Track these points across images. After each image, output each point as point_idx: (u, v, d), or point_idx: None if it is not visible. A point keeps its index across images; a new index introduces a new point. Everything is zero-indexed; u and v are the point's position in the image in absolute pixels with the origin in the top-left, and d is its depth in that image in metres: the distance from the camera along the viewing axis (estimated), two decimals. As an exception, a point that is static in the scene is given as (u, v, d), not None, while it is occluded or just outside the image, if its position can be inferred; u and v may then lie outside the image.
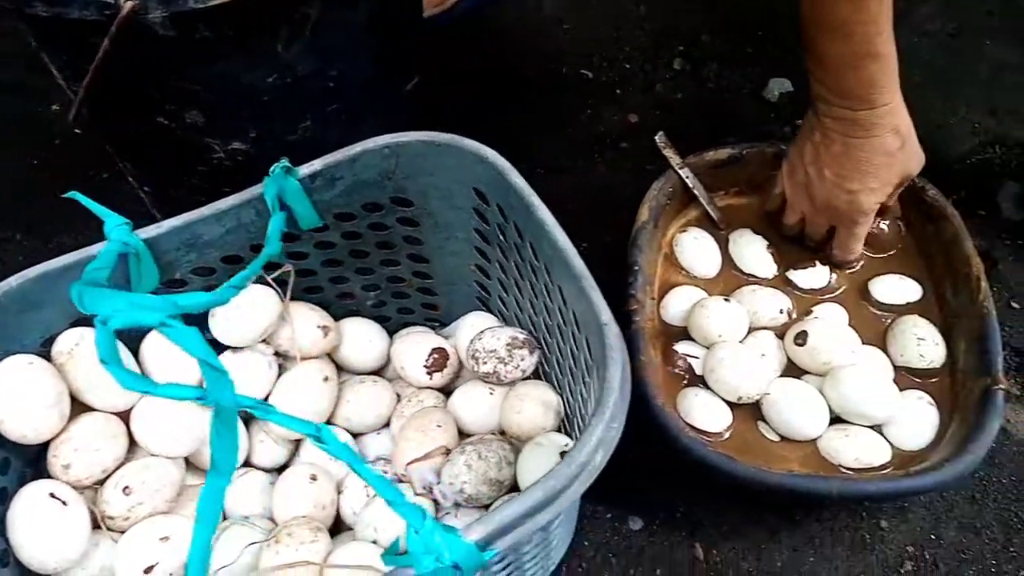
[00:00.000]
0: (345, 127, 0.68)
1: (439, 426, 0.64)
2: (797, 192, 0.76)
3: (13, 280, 0.56)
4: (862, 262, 0.79)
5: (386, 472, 0.64)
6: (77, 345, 0.58)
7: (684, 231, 0.82)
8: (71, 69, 0.62)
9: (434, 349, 0.70)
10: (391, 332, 0.75)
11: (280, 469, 0.67)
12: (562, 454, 0.58)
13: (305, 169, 0.61)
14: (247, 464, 0.66)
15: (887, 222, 0.79)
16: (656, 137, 0.81)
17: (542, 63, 1.07)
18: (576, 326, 0.56)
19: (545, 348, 0.67)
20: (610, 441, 0.48)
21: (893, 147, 0.69)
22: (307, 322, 0.67)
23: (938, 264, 0.76)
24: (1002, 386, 0.65)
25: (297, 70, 0.61)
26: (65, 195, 0.57)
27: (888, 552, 0.69)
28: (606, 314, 0.51)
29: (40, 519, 0.53)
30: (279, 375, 0.67)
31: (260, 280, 0.64)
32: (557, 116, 1.02)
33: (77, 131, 0.98)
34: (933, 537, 0.69)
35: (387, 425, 0.70)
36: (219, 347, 0.65)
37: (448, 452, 0.62)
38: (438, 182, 0.64)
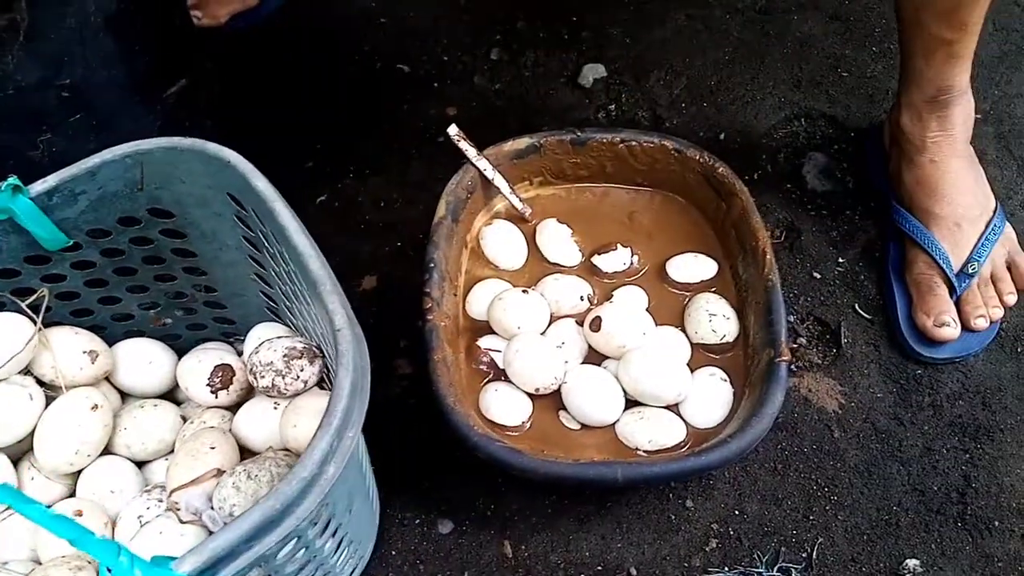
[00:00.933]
0: (98, 138, 0.64)
1: (212, 448, 0.61)
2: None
3: None
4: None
5: (161, 501, 0.61)
6: None
7: (490, 224, 0.81)
8: None
9: (217, 366, 0.67)
10: (184, 350, 0.71)
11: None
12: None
13: (38, 186, 0.57)
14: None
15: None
16: (448, 130, 0.79)
17: (359, 59, 1.04)
18: (331, 332, 0.54)
19: (327, 356, 0.64)
20: (344, 452, 0.46)
21: None
22: (70, 348, 0.63)
23: (731, 240, 0.77)
24: (784, 358, 0.66)
25: (20, 81, 0.57)
26: None
27: (694, 531, 0.69)
28: (340, 318, 0.49)
29: None
30: (47, 406, 0.63)
31: (13, 307, 0.61)
32: (374, 114, 1.00)
33: None
34: (737, 512, 0.70)
35: (173, 450, 0.66)
36: (-31, 382, 0.61)
37: (220, 474, 0.59)
38: (192, 189, 0.61)
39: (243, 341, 0.74)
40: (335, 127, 0.98)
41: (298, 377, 0.63)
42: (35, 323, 0.61)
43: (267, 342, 0.64)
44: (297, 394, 0.64)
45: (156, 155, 0.59)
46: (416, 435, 0.74)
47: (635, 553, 0.68)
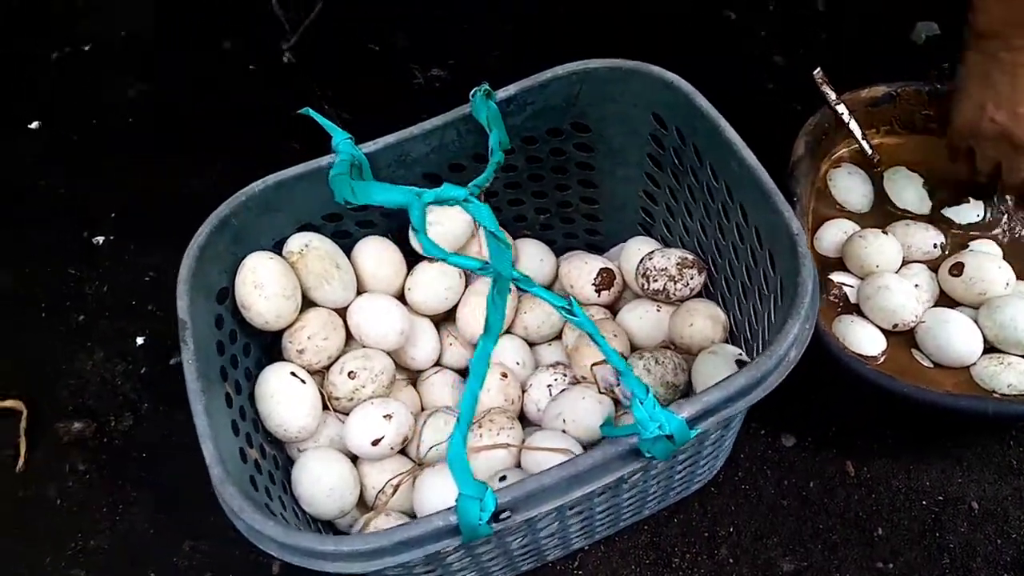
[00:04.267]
0: (529, 56, 0.74)
1: (615, 336, 0.70)
2: (990, 144, 0.73)
3: (256, 186, 0.64)
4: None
5: (565, 376, 0.71)
6: (306, 247, 0.66)
7: (837, 167, 0.84)
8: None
9: (602, 269, 0.75)
10: (557, 254, 0.81)
11: (462, 371, 0.75)
12: (738, 362, 0.63)
13: (502, 93, 0.67)
14: (438, 364, 0.74)
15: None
16: (814, 72, 0.83)
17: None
18: (758, 242, 0.61)
19: (712, 269, 0.71)
20: (804, 340, 0.52)
21: None
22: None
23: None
24: None
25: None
26: (298, 112, 0.64)
27: (1036, 475, 0.72)
28: (796, 225, 0.55)
29: (285, 393, 0.62)
30: (466, 286, 0.74)
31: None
32: (703, 58, 1.05)
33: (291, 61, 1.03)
34: (1082, 466, 0.72)
35: (558, 337, 0.76)
36: (418, 257, 0.73)
37: (625, 358, 0.68)
38: (618, 108, 0.69)
39: (601, 252, 0.83)
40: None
41: (687, 284, 0.71)
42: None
43: (659, 251, 0.72)
44: (682, 300, 0.72)
45: (599, 73, 0.67)
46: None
47: (976, 489, 0.71)
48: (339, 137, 0.64)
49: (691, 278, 0.70)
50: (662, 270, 0.70)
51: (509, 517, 0.48)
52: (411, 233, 0.71)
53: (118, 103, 1.10)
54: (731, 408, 0.51)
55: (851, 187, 0.82)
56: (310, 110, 0.64)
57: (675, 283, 0.70)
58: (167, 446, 0.81)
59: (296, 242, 0.66)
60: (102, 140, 1.07)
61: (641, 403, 0.47)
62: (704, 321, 0.68)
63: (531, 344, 0.76)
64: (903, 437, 0.75)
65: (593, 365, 0.67)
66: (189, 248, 0.61)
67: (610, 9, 0.88)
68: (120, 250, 0.96)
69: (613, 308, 0.77)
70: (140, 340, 0.89)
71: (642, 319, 0.72)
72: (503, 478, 0.59)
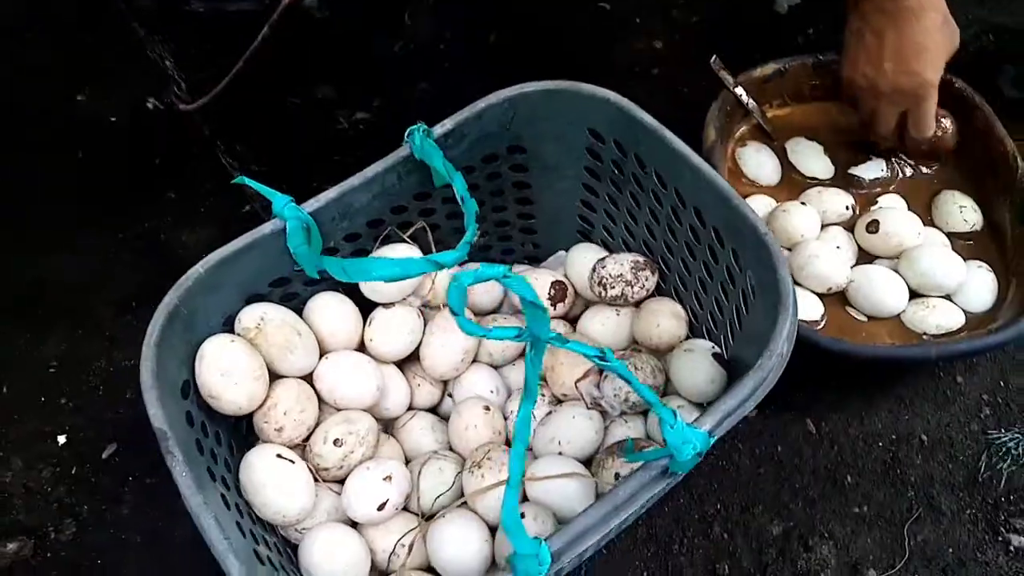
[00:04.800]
0: (450, 86, 0.72)
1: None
2: (864, 95, 0.81)
3: (200, 267, 0.59)
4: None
5: (543, 396, 0.71)
6: (263, 320, 0.62)
7: (744, 145, 0.89)
8: (195, 59, 0.64)
9: (554, 282, 0.76)
10: (497, 273, 0.80)
11: (432, 410, 0.73)
12: (714, 355, 0.65)
13: (439, 129, 0.65)
14: (409, 407, 0.72)
15: (947, 120, 0.85)
16: (711, 61, 0.87)
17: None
18: (718, 241, 0.63)
19: (664, 267, 0.73)
20: (793, 333, 0.55)
21: (939, 23, 0.76)
22: (443, 273, 0.72)
23: (976, 151, 0.85)
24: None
25: (419, 37, 0.65)
26: (234, 181, 0.60)
27: (968, 402, 0.80)
28: (762, 224, 0.57)
29: (276, 478, 0.58)
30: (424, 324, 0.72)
31: (398, 239, 0.70)
32: (589, 51, 1.07)
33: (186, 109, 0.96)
34: (1002, 384, 0.80)
35: (521, 356, 0.76)
36: (368, 304, 0.70)
37: (600, 370, 0.69)
38: (552, 127, 0.69)
39: (538, 262, 0.84)
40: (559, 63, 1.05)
41: (643, 286, 0.73)
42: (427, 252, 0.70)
43: (610, 257, 0.74)
44: (639, 301, 0.74)
45: (533, 97, 0.67)
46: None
47: (920, 423, 0.78)
48: (280, 202, 0.60)
49: (646, 279, 0.72)
50: (618, 276, 0.72)
51: (562, 568, 0.48)
52: (363, 288, 0.68)
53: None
54: (743, 410, 0.53)
55: (760, 163, 0.87)
56: (245, 178, 0.60)
57: (631, 287, 0.72)
58: (119, 547, 0.75)
59: (250, 317, 0.62)
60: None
61: (672, 427, 0.48)
62: (669, 320, 0.70)
63: (496, 367, 0.75)
64: (850, 388, 0.81)
65: (577, 382, 0.67)
66: (145, 348, 0.55)
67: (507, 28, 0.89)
68: (9, 345, 0.87)
69: (567, 317, 0.78)
70: (62, 439, 0.81)
71: (604, 325, 0.74)
72: (522, 515, 0.59)
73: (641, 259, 0.73)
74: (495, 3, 1.05)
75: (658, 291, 0.75)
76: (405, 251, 0.69)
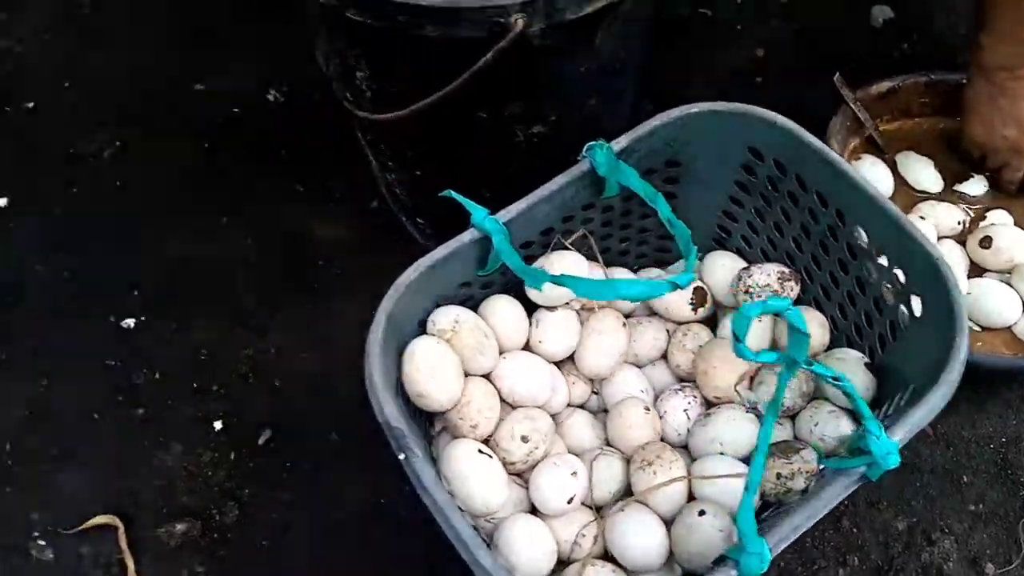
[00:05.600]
0: (613, 103, 0.76)
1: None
2: (1001, 153, 0.88)
3: (410, 273, 0.63)
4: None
5: (696, 398, 0.76)
6: (456, 322, 0.67)
7: (859, 158, 0.93)
8: (400, 78, 0.68)
9: (696, 288, 0.80)
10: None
11: (580, 405, 0.78)
12: (866, 365, 0.70)
13: (616, 146, 0.69)
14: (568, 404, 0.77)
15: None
16: (835, 78, 0.91)
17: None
18: (880, 260, 0.67)
19: (806, 277, 0.78)
20: (966, 349, 0.60)
21: None
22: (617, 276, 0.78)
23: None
24: None
25: (604, 57, 0.69)
26: (441, 194, 0.64)
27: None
28: (937, 250, 0.62)
29: (478, 472, 0.63)
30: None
31: (562, 246, 0.74)
32: (691, 57, 1.10)
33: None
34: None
35: (663, 357, 0.81)
36: (533, 307, 0.75)
37: (753, 375, 0.74)
38: (712, 144, 0.74)
39: (667, 265, 0.88)
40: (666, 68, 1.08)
41: (788, 295, 0.77)
42: (598, 259, 0.75)
43: (755, 267, 0.78)
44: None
45: (702, 117, 0.71)
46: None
47: (1026, 427, 0.85)
48: (480, 214, 0.65)
49: (791, 289, 0.77)
50: (764, 285, 0.76)
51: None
52: (530, 292, 0.72)
53: (94, 162, 1.02)
54: (924, 422, 0.58)
55: (878, 177, 0.91)
56: (452, 192, 0.64)
57: (778, 296, 0.77)
58: (283, 529, 0.80)
59: (444, 320, 0.67)
60: (89, 209, 0.99)
61: (878, 438, 0.54)
62: (815, 329, 0.75)
63: (639, 366, 0.80)
64: (959, 393, 0.86)
65: (736, 385, 0.72)
66: (371, 351, 0.59)
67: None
68: (157, 331, 0.90)
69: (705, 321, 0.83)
70: (218, 425, 0.85)
71: (749, 332, 0.78)
72: (701, 513, 0.64)
73: (786, 270, 0.77)
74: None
75: (797, 300, 0.80)
76: (573, 258, 0.73)
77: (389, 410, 0.58)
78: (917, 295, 0.65)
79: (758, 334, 0.78)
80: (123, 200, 0.98)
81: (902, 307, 0.67)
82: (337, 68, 0.73)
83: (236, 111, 1.05)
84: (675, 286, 0.60)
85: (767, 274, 0.77)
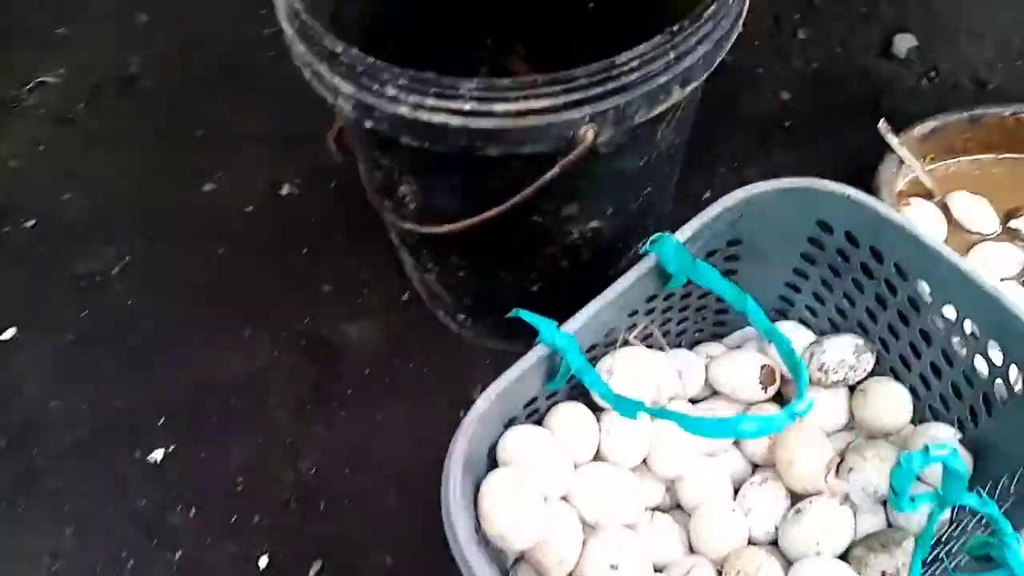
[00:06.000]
0: (665, 186, 0.72)
1: (828, 434, 0.71)
2: None
3: (481, 404, 0.58)
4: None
5: (780, 492, 0.70)
6: (527, 447, 0.62)
7: (907, 204, 0.89)
8: (452, 192, 0.63)
9: (763, 366, 0.75)
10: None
11: (656, 507, 0.73)
12: (960, 441, 0.65)
13: (681, 236, 0.65)
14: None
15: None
16: (879, 125, 0.87)
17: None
18: (973, 333, 0.63)
19: (882, 348, 0.73)
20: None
21: None
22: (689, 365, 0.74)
23: None
24: None
25: (661, 148, 0.64)
26: (509, 315, 0.59)
27: None
28: (1039, 322, 0.58)
29: None
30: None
31: (626, 343, 0.69)
32: (717, 106, 1.06)
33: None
34: None
35: (734, 442, 0.76)
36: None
37: (839, 464, 0.69)
38: (777, 220, 0.69)
39: (720, 337, 0.83)
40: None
41: (864, 369, 0.73)
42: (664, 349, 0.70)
43: (827, 341, 0.73)
44: (857, 383, 0.74)
45: (766, 196, 0.66)
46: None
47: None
48: (549, 330, 0.60)
49: (867, 362, 0.72)
50: (840, 361, 0.72)
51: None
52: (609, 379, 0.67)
53: (102, 280, 0.96)
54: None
55: (929, 222, 0.87)
56: (521, 311, 0.59)
57: (854, 371, 0.72)
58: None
59: (513, 445, 0.62)
60: (102, 333, 0.93)
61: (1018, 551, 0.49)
62: (898, 403, 0.70)
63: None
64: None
65: (826, 476, 0.67)
66: (452, 506, 0.53)
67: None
68: (188, 462, 0.84)
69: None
70: (263, 561, 0.79)
71: (826, 410, 0.73)
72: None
73: (861, 342, 0.73)
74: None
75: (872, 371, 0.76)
76: (645, 354, 0.68)
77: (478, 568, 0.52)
78: (1018, 367, 0.60)
79: (832, 407, 0.73)
80: (137, 320, 0.92)
81: (999, 380, 0.63)
82: (376, 179, 0.68)
83: (249, 210, 1.00)
84: (795, 415, 0.55)
85: (841, 348, 0.72)
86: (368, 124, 0.56)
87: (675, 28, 0.54)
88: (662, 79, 0.55)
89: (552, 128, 0.53)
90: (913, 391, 0.72)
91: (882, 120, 0.87)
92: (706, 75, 0.58)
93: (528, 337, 0.60)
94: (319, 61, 0.57)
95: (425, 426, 0.83)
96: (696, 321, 0.80)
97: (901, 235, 0.63)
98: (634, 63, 0.52)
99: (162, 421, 0.86)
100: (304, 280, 0.95)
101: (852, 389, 0.74)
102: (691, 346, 0.81)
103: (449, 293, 0.80)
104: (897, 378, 0.73)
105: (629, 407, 0.59)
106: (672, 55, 0.54)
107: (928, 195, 0.90)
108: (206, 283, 0.95)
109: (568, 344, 0.59)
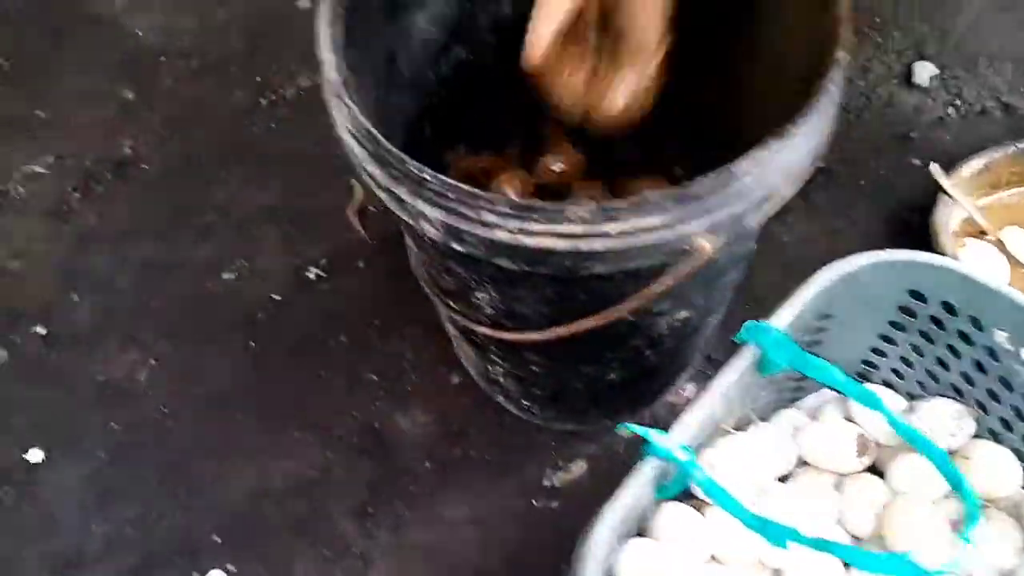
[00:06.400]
0: (743, 266, 0.70)
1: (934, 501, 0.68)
2: None
3: (602, 531, 0.54)
4: None
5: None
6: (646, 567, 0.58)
7: (963, 245, 0.88)
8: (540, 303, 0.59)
9: (859, 435, 0.73)
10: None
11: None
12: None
13: (779, 321, 0.62)
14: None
15: None
16: (931, 168, 0.85)
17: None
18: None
19: (980, 412, 0.71)
20: None
21: None
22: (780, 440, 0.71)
23: None
24: None
25: (752, 239, 0.61)
26: (616, 428, 0.56)
27: None
28: None
29: None
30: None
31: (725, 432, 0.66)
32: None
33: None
34: None
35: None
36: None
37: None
38: (865, 291, 0.66)
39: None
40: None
41: (965, 433, 0.70)
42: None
43: (922, 404, 0.71)
44: (957, 449, 0.71)
45: (864, 271, 0.64)
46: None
47: None
48: (661, 443, 0.56)
49: (968, 426, 0.70)
50: (939, 427, 0.69)
51: None
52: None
53: (129, 388, 0.90)
54: None
55: (990, 262, 0.86)
56: (627, 424, 0.56)
57: (954, 437, 0.70)
58: None
59: (632, 567, 0.58)
60: (136, 446, 0.86)
61: None
62: (1007, 468, 0.68)
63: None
64: None
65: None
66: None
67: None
68: (252, 581, 0.79)
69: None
70: None
71: (917, 477, 0.71)
72: None
73: (958, 406, 0.70)
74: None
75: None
76: (742, 440, 0.65)
77: None
78: None
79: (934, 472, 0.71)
80: (172, 428, 0.86)
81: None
82: (443, 282, 0.64)
83: (276, 297, 0.94)
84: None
85: (940, 414, 0.70)
86: (458, 247, 0.51)
87: (787, 127, 0.51)
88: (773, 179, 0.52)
89: (667, 243, 0.49)
90: (1018, 453, 0.70)
91: (935, 165, 0.85)
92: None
93: (597, 416, 0.56)
94: (397, 184, 0.52)
95: (496, 519, 0.79)
96: (772, 392, 0.77)
97: (1008, 306, 0.61)
98: (752, 170, 0.49)
99: (216, 539, 0.80)
100: (344, 369, 0.90)
101: (951, 455, 0.72)
102: (766, 416, 0.79)
103: (518, 384, 0.76)
104: (996, 439, 0.71)
105: (778, 535, 0.55)
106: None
107: (980, 233, 0.89)
108: (243, 383, 0.89)
109: (690, 461, 0.55)
